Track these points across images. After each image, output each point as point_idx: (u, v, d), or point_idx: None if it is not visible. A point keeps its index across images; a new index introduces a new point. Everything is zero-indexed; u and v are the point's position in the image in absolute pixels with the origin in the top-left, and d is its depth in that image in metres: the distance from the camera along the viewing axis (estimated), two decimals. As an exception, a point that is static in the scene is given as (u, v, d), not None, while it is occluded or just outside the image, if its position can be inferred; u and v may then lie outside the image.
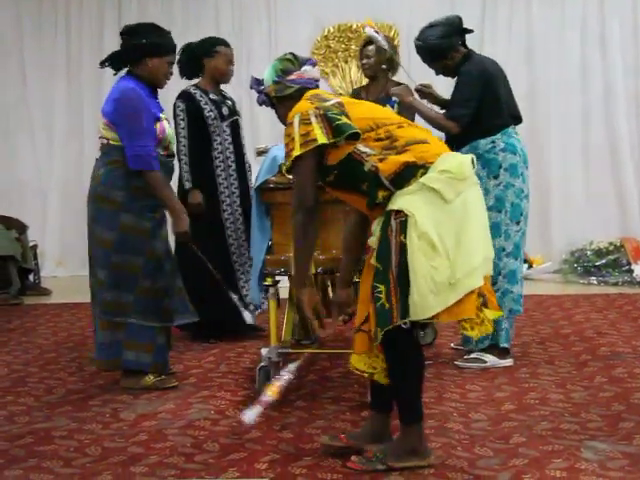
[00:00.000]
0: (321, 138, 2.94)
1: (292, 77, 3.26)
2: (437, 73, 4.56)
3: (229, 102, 5.22)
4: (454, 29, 4.44)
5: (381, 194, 2.95)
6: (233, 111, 5.21)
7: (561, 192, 7.73)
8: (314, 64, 3.34)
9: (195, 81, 5.24)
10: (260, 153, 4.15)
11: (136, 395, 4.05)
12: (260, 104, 3.45)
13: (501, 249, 4.36)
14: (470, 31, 4.50)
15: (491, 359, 4.38)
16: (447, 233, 2.84)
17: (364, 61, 5.47)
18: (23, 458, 3.26)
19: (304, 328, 4.61)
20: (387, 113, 3.17)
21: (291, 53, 3.36)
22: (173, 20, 7.90)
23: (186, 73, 5.19)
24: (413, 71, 7.73)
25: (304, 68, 3.28)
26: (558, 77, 7.72)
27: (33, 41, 8.43)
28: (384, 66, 5.43)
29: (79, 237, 8.27)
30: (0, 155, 8.41)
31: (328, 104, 3.03)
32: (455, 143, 4.36)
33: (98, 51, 8.21)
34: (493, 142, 4.36)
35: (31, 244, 7.38)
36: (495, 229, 4.31)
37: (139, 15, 8.13)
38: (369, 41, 5.49)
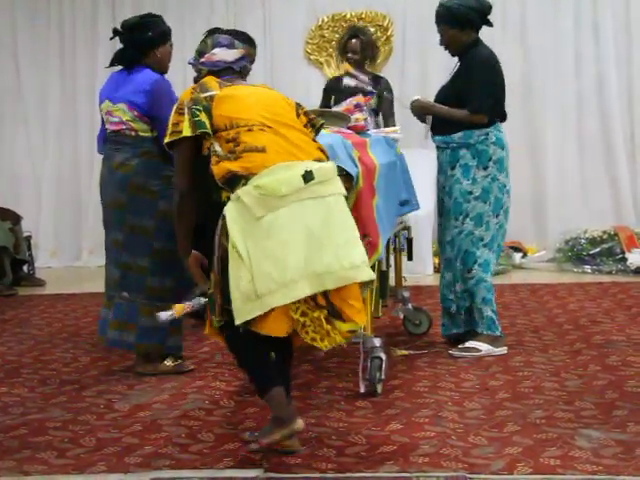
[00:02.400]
0: (186, 131, 3.07)
1: (203, 59, 3.35)
2: (441, 43, 4.52)
3: None
4: (482, 11, 4.44)
5: (224, 194, 3.01)
6: None
7: (555, 181, 7.71)
8: (228, 45, 3.35)
9: None
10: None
11: (130, 386, 4.05)
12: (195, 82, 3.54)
13: (480, 239, 4.42)
14: (490, 25, 4.53)
15: (485, 347, 4.39)
16: (253, 247, 2.89)
17: (349, 55, 5.57)
18: (17, 449, 3.27)
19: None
20: (256, 112, 3.09)
21: (211, 33, 3.40)
22: (167, 10, 7.83)
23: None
24: (407, 56, 7.82)
25: (213, 51, 3.34)
26: (551, 65, 7.69)
27: (26, 34, 8.37)
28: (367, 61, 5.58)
29: (73, 228, 8.33)
30: (-6, 145, 8.40)
31: (202, 96, 3.12)
32: (448, 129, 4.40)
33: (91, 44, 8.23)
34: (487, 134, 4.39)
35: (25, 235, 7.36)
36: (478, 219, 4.41)
37: (133, 6, 8.09)
38: (352, 34, 5.61)
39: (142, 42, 4.18)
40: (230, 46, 3.38)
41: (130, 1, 8.20)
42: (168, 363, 4.25)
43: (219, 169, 2.99)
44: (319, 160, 3.08)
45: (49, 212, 8.35)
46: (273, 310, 2.89)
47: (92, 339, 5.04)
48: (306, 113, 3.29)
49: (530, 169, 7.66)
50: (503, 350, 4.42)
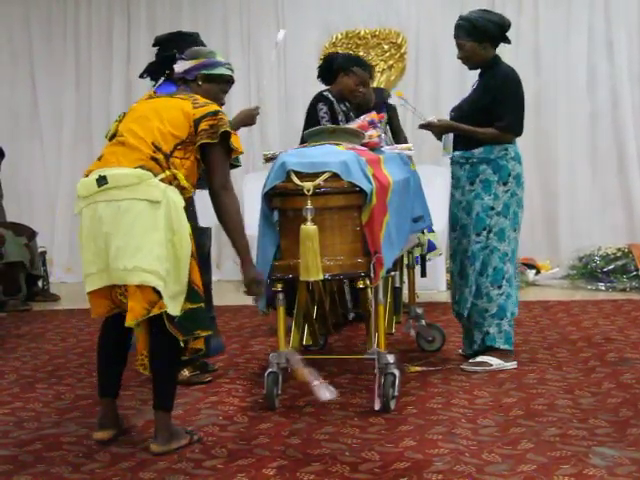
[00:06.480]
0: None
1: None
2: (459, 56, 4.53)
3: (352, 117, 5.34)
4: (502, 26, 4.46)
5: None
6: None
7: (569, 198, 7.71)
8: (184, 58, 3.69)
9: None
10: (268, 159, 4.17)
11: (144, 401, 4.06)
12: None
13: (505, 254, 4.44)
14: (508, 42, 4.54)
15: (496, 362, 4.40)
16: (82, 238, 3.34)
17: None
18: (32, 464, 3.28)
19: (312, 334, 4.61)
20: (128, 124, 3.42)
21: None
22: (181, 27, 7.81)
23: (322, 78, 5.44)
24: (421, 73, 7.85)
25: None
26: (565, 82, 7.71)
27: (42, 48, 8.45)
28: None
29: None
30: (9, 161, 8.36)
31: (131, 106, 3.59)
32: (468, 144, 4.43)
33: (107, 57, 8.30)
34: (506, 149, 4.41)
35: (40, 250, 7.39)
36: (501, 234, 4.42)
37: (147, 22, 8.19)
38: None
39: (165, 59, 4.21)
40: (187, 58, 3.66)
41: (145, 18, 8.26)
42: (185, 373, 4.25)
43: None
44: (142, 167, 3.25)
45: (64, 228, 8.37)
46: (94, 294, 3.33)
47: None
48: (216, 121, 3.38)
49: (543, 185, 7.66)
50: (513, 364, 4.43)
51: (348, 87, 5.31)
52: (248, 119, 4.53)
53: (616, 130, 7.68)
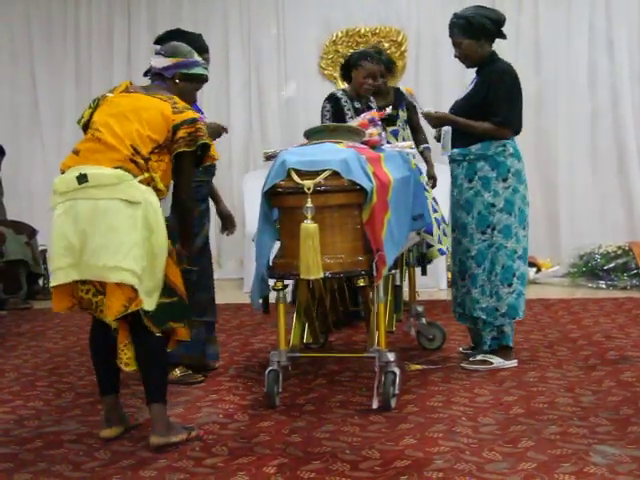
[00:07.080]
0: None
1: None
2: (456, 55, 4.50)
3: None
4: (498, 21, 4.44)
5: None
6: None
7: (569, 196, 7.72)
8: (164, 54, 3.64)
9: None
10: (269, 157, 4.16)
11: (144, 399, 4.05)
12: None
13: (513, 251, 4.40)
14: (504, 37, 4.52)
15: (497, 360, 4.40)
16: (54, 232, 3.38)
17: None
18: (32, 462, 3.28)
19: (313, 332, 4.61)
20: (105, 118, 3.38)
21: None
22: (181, 26, 7.82)
23: (343, 78, 5.54)
24: (421, 70, 7.86)
25: (153, 57, 3.67)
26: (565, 81, 7.71)
27: (42, 47, 8.45)
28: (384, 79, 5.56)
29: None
30: (10, 160, 8.37)
31: (104, 94, 3.54)
32: (465, 141, 4.41)
33: (107, 57, 8.30)
34: (504, 146, 4.39)
35: (40, 249, 7.39)
36: (507, 231, 4.39)
37: (148, 20, 8.20)
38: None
39: None
40: (166, 54, 3.63)
41: (145, 16, 8.26)
42: (176, 372, 4.25)
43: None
44: (120, 168, 3.27)
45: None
46: (58, 289, 3.37)
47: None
48: (194, 130, 3.40)
49: (544, 184, 7.66)
50: (514, 363, 4.43)
51: (357, 81, 5.32)
52: (213, 134, 4.50)
53: (616, 129, 7.67)
